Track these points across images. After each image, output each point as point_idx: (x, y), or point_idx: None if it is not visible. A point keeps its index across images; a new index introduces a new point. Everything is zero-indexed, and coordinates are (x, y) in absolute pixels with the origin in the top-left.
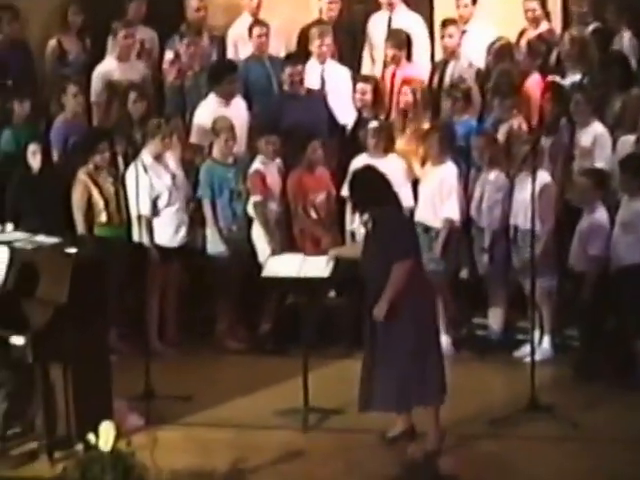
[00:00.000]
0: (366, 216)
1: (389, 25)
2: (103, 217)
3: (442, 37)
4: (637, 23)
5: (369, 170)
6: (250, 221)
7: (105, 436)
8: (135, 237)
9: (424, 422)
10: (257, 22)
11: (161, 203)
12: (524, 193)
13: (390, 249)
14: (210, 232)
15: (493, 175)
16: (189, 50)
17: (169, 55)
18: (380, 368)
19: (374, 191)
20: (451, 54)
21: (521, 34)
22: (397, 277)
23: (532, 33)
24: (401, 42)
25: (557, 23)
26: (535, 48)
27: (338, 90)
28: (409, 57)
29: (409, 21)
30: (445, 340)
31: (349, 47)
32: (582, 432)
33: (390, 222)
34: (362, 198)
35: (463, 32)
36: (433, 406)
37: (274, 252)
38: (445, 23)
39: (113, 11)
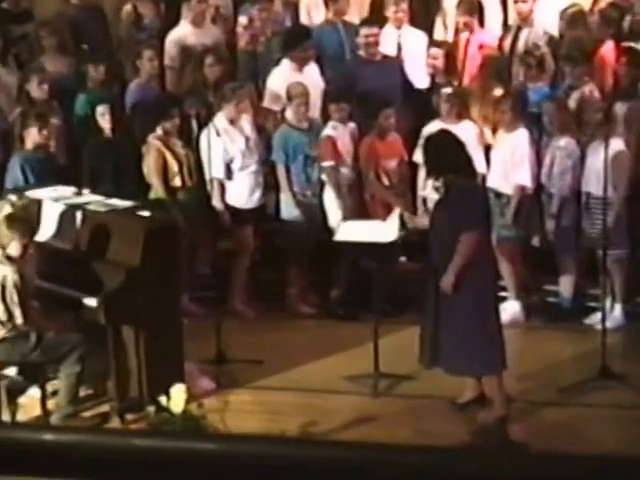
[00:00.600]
0: (439, 182)
1: None
2: (177, 181)
3: (516, 2)
4: None
5: (445, 134)
6: (323, 186)
7: (176, 399)
8: (211, 200)
9: (492, 389)
10: None
11: (235, 166)
12: (597, 160)
13: (459, 219)
14: (284, 196)
15: (563, 141)
16: (261, 15)
17: (243, 20)
18: (445, 332)
19: (449, 156)
20: (525, 20)
21: (595, 0)
22: (464, 249)
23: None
24: (472, 8)
25: None
26: (608, 15)
27: (415, 55)
28: (481, 23)
29: None
30: (516, 306)
31: (422, 13)
32: None
33: (462, 191)
34: (436, 163)
35: None
36: (495, 374)
37: (345, 217)
38: None
39: None
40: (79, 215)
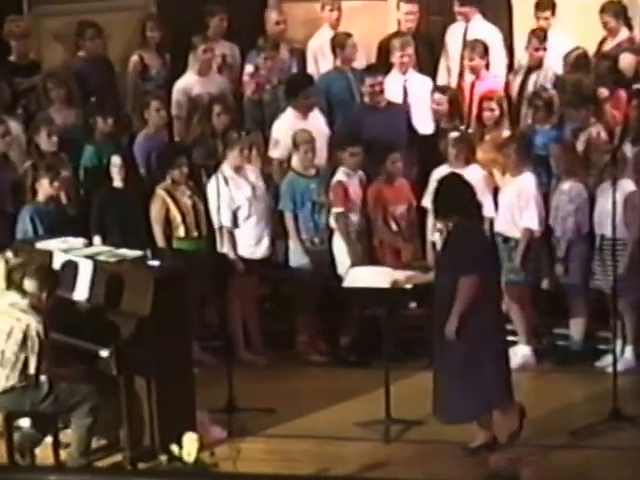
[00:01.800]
0: (441, 224)
1: (465, 36)
2: (181, 231)
3: (537, 50)
4: None
5: (455, 177)
6: (331, 233)
7: (188, 447)
8: (218, 249)
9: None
10: (341, 35)
11: (241, 215)
12: (607, 202)
13: (458, 261)
14: (292, 244)
15: (567, 185)
16: (267, 64)
17: (249, 69)
18: (443, 379)
19: (457, 199)
20: (536, 64)
21: (601, 43)
22: (462, 293)
23: (611, 43)
24: (480, 52)
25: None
26: (614, 59)
27: (421, 100)
28: (487, 67)
29: (486, 32)
30: (526, 350)
31: (427, 58)
32: None
33: (462, 233)
34: (444, 204)
35: None
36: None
37: (354, 264)
38: (534, 32)
39: (192, 26)
40: (89, 266)
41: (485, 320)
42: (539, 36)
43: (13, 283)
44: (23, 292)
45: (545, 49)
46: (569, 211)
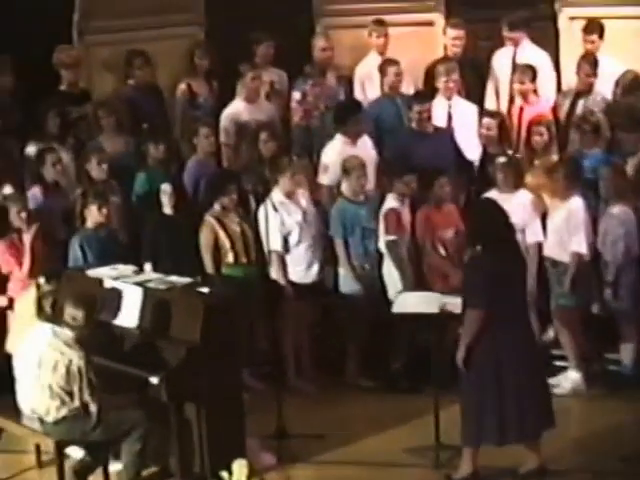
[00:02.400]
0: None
1: (514, 60)
2: (230, 257)
3: (588, 76)
4: None
5: (488, 203)
6: (381, 258)
7: (238, 474)
8: (268, 274)
9: (557, 460)
10: (389, 61)
11: (292, 240)
12: None
13: (465, 293)
14: (343, 270)
15: (617, 209)
16: (314, 90)
17: (296, 95)
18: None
19: (479, 226)
20: (586, 89)
21: None
22: (466, 325)
23: None
24: (529, 77)
25: None
26: None
27: (465, 126)
28: (535, 92)
29: (534, 56)
30: (577, 376)
31: (475, 83)
32: None
33: (471, 265)
34: (469, 233)
35: None
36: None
37: (405, 289)
38: (585, 57)
39: (239, 54)
40: (140, 293)
41: (487, 353)
42: (590, 61)
43: (42, 311)
44: (54, 319)
45: (596, 74)
46: (619, 235)
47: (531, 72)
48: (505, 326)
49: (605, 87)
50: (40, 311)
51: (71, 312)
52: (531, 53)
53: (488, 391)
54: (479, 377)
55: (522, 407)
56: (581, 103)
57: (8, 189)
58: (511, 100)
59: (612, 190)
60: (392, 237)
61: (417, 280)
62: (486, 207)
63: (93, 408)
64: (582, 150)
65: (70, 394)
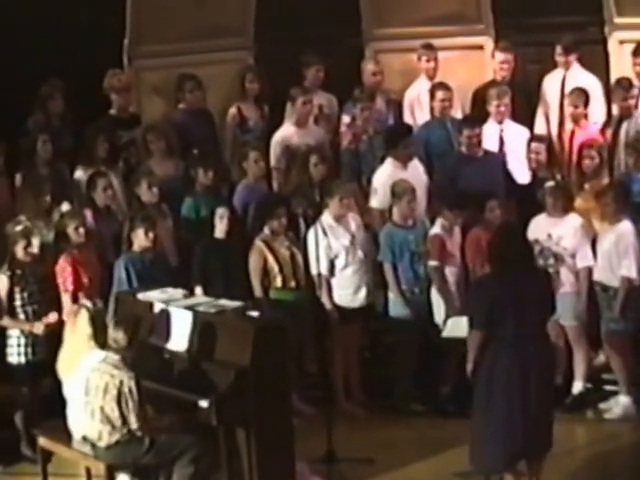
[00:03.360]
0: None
1: (564, 84)
2: (278, 281)
3: (618, 96)
4: None
5: (506, 227)
6: (430, 282)
7: None
8: (318, 298)
9: None
10: (440, 85)
11: (339, 263)
12: None
13: (470, 313)
14: (392, 295)
15: None
16: (363, 114)
17: (346, 119)
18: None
19: (499, 248)
20: (626, 113)
21: None
22: (469, 345)
23: None
24: (581, 101)
25: None
26: None
27: (517, 150)
28: (585, 116)
29: (585, 80)
30: (627, 400)
31: (524, 107)
32: None
33: (482, 286)
34: (488, 253)
35: None
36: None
37: (449, 315)
38: (619, 82)
39: (288, 77)
40: (190, 317)
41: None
42: (624, 85)
43: (97, 335)
44: (101, 344)
45: (633, 97)
46: None
47: (584, 96)
48: (509, 347)
49: None
50: (95, 336)
51: (112, 334)
52: (581, 77)
53: (493, 411)
54: (486, 398)
55: (525, 428)
56: (624, 127)
57: (65, 206)
58: (561, 124)
59: None
60: (435, 263)
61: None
62: (502, 231)
63: (143, 432)
64: (631, 174)
65: (123, 418)
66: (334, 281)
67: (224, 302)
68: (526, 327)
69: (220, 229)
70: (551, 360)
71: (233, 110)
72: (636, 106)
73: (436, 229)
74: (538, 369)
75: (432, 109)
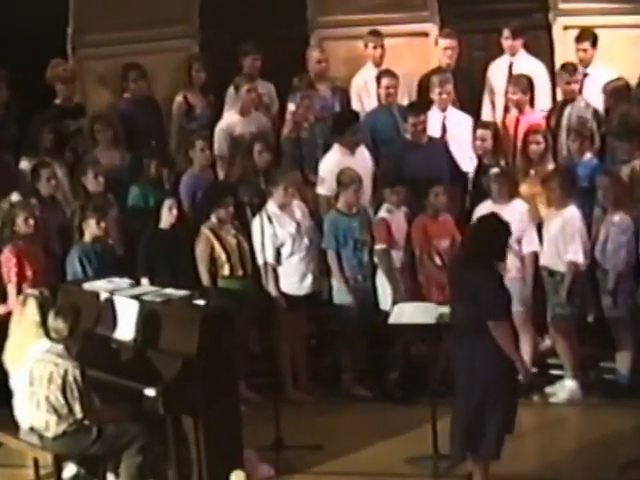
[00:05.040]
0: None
1: (510, 70)
2: (226, 270)
3: (562, 80)
4: None
5: (497, 218)
6: (375, 269)
7: None
8: (264, 287)
9: (554, 469)
10: (385, 72)
11: (285, 252)
12: None
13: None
14: (336, 282)
15: (618, 217)
16: (304, 102)
17: (291, 107)
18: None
19: (504, 241)
20: (570, 97)
21: None
22: (504, 338)
23: None
24: (525, 87)
25: None
26: None
27: (460, 137)
28: (531, 102)
29: (531, 66)
30: (573, 384)
31: (469, 94)
32: None
33: (499, 278)
34: (496, 245)
35: (585, 75)
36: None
37: (396, 300)
38: (564, 66)
39: (233, 66)
40: (137, 306)
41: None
42: (569, 70)
43: (44, 325)
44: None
45: (577, 82)
46: (621, 243)
47: (527, 82)
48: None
49: (597, 96)
50: (44, 324)
51: (52, 324)
52: (528, 63)
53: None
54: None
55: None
56: (567, 112)
57: (15, 196)
58: (506, 110)
59: (611, 198)
60: (382, 246)
61: (413, 291)
62: (500, 222)
63: (90, 421)
64: (575, 159)
65: (68, 407)
66: (281, 269)
67: (170, 291)
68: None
69: (167, 220)
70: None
71: (179, 98)
72: (580, 91)
73: (382, 213)
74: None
75: (379, 96)
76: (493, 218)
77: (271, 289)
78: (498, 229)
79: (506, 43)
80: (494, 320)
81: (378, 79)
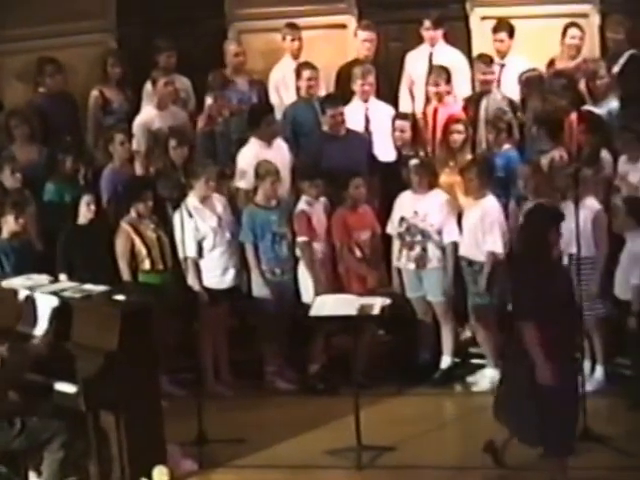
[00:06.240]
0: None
1: (430, 61)
2: (146, 264)
3: (482, 73)
4: None
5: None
6: (296, 262)
7: None
8: (186, 281)
9: (472, 456)
10: (306, 64)
11: (206, 245)
12: (572, 222)
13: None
14: (254, 275)
15: None
16: (218, 97)
17: (209, 101)
18: None
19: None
20: (486, 88)
21: (550, 64)
22: (532, 342)
23: (561, 64)
24: (443, 78)
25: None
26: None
27: (383, 128)
28: (449, 92)
29: (450, 56)
30: (493, 373)
31: (386, 85)
32: (636, 461)
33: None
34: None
35: (502, 66)
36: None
37: (318, 292)
38: (482, 58)
39: (151, 61)
40: (56, 303)
41: None
42: (485, 61)
43: None
44: None
45: (492, 73)
46: None
47: (445, 73)
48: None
49: (514, 86)
50: None
51: None
52: (448, 53)
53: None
54: None
55: None
56: (484, 103)
57: None
58: (427, 101)
59: (532, 188)
60: (304, 238)
61: (334, 283)
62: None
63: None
64: (493, 149)
65: None
66: (202, 263)
67: (90, 287)
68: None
69: (85, 215)
70: None
71: (95, 93)
72: (498, 84)
73: (301, 205)
74: None
75: (298, 89)
76: (539, 209)
77: (193, 283)
78: (537, 222)
79: (426, 34)
80: (518, 320)
81: (298, 71)
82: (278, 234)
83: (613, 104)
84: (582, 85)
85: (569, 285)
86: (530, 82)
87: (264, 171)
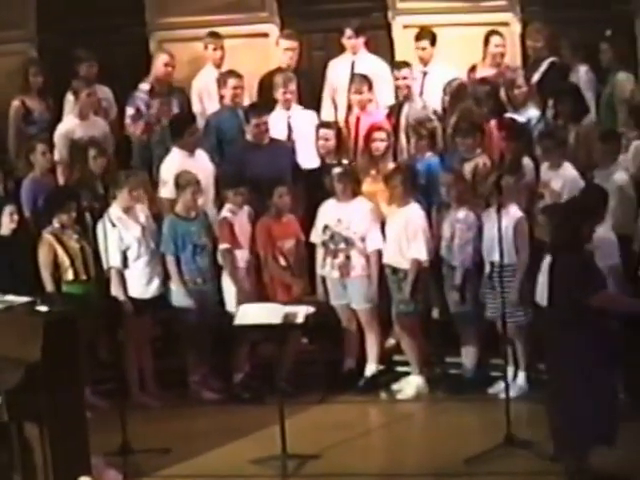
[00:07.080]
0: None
1: (352, 69)
2: (70, 275)
3: (396, 79)
4: (591, 58)
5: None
6: (220, 271)
7: None
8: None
9: (401, 463)
10: (230, 73)
11: (131, 255)
12: (494, 229)
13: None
14: (174, 286)
15: (462, 213)
16: (155, 105)
17: (130, 111)
18: None
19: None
20: (405, 96)
21: (472, 70)
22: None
23: (483, 71)
24: (366, 86)
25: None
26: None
27: (306, 136)
28: (371, 100)
29: (372, 64)
30: (419, 380)
31: (309, 93)
32: (559, 467)
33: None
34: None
35: (424, 74)
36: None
37: (242, 301)
38: (398, 65)
39: (72, 70)
40: None
41: None
42: (400, 67)
43: None
44: None
45: (411, 79)
46: (467, 239)
47: (367, 82)
48: None
49: (437, 94)
50: None
51: None
52: (370, 61)
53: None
54: None
55: None
56: (405, 111)
57: None
58: (349, 109)
59: (455, 195)
60: (226, 246)
61: (259, 292)
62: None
63: None
64: (416, 156)
65: None
66: (127, 273)
67: (11, 298)
68: None
69: (8, 226)
70: None
71: (16, 103)
72: (421, 91)
73: (224, 213)
74: None
75: (222, 97)
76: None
77: (117, 293)
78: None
79: (348, 42)
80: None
81: (222, 80)
82: (199, 245)
83: (532, 112)
84: (502, 93)
85: None
86: (455, 92)
87: (184, 182)
